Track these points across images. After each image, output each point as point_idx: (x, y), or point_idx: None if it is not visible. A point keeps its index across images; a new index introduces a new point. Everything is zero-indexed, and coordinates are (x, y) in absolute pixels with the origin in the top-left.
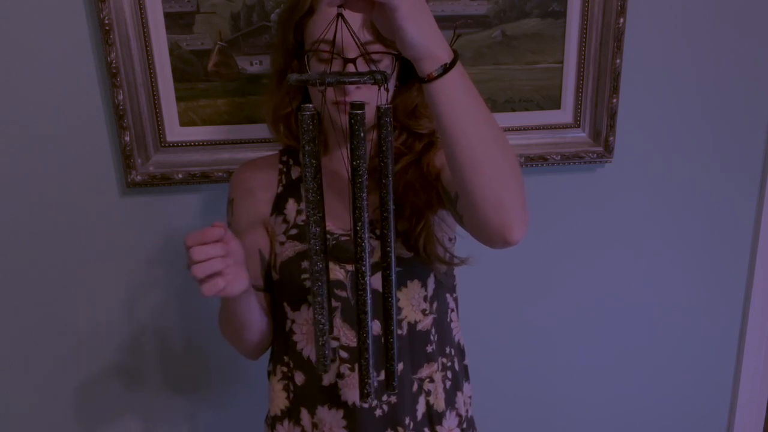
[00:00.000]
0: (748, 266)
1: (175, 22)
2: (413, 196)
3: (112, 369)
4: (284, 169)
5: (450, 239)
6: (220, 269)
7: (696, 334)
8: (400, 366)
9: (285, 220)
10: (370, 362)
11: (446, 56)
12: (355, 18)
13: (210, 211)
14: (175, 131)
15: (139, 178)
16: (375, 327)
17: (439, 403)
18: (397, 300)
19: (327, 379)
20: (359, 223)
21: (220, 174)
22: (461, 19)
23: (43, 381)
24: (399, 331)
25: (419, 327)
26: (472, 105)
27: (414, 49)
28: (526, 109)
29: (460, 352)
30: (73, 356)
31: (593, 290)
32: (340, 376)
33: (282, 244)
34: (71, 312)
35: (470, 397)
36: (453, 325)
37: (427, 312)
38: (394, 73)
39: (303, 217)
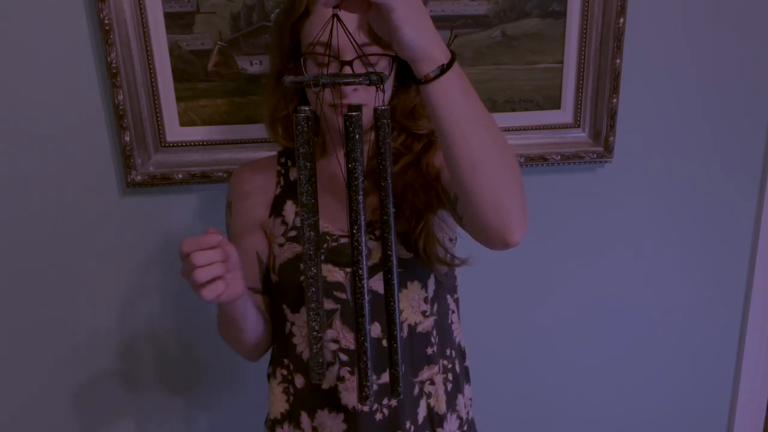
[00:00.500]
0: (748, 266)
1: (175, 22)
2: (413, 196)
3: (112, 369)
4: (282, 171)
5: (450, 240)
6: (221, 274)
7: (696, 334)
8: (401, 369)
9: (284, 222)
10: (369, 365)
11: (443, 57)
12: (351, 20)
13: (210, 211)
14: (175, 131)
15: (139, 178)
16: (375, 330)
17: (440, 406)
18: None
19: (327, 383)
20: (356, 226)
21: (220, 174)
22: (461, 19)
23: (42, 381)
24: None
25: (419, 329)
26: (470, 106)
27: (411, 50)
28: (526, 109)
29: (461, 354)
30: (72, 356)
31: (593, 290)
32: (340, 379)
33: (281, 246)
34: (71, 312)
35: (471, 399)
36: (454, 326)
37: (427, 314)
38: (392, 75)
39: None
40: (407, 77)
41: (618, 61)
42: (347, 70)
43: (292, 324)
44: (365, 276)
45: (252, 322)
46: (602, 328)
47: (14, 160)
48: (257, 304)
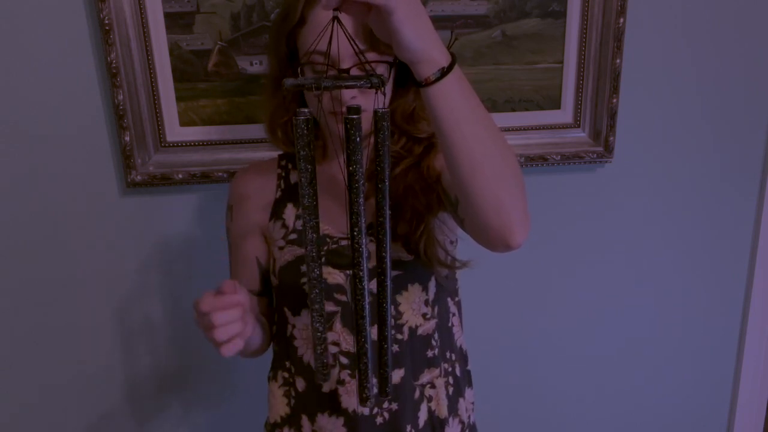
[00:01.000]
0: (748, 266)
1: (175, 22)
2: (413, 199)
3: (111, 370)
4: (283, 174)
5: (451, 242)
6: (240, 330)
7: (696, 334)
8: (402, 372)
9: (284, 225)
10: (369, 366)
11: (444, 59)
12: (348, 26)
13: (210, 212)
14: (175, 131)
15: (139, 178)
16: (375, 331)
17: (442, 410)
18: (398, 304)
19: (327, 386)
20: (356, 229)
21: (220, 174)
22: (461, 19)
23: (42, 381)
24: (399, 336)
25: (420, 331)
26: (471, 108)
27: (411, 53)
28: (526, 109)
29: (462, 357)
30: (72, 356)
31: (593, 291)
32: (340, 382)
33: (281, 248)
34: (71, 312)
35: (473, 403)
36: (455, 329)
37: (428, 316)
38: (391, 79)
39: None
40: (406, 81)
41: (618, 61)
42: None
43: (293, 327)
44: (365, 278)
45: (259, 339)
46: (602, 329)
47: (14, 160)
48: (255, 311)
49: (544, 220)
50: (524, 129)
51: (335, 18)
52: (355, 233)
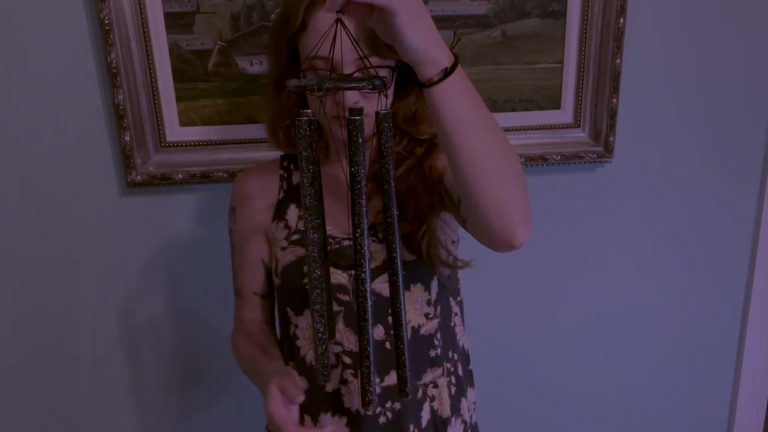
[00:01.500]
0: (748, 266)
1: (175, 22)
2: (415, 199)
3: (111, 369)
4: (285, 175)
5: (453, 242)
6: None
7: (696, 335)
8: None
9: (287, 226)
10: (372, 370)
11: (446, 60)
12: (349, 29)
13: (210, 212)
14: (175, 131)
15: (139, 178)
16: (378, 332)
17: (444, 410)
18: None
19: (330, 386)
20: (358, 230)
21: (220, 174)
22: (461, 19)
23: (42, 381)
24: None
25: (423, 331)
26: (473, 108)
27: (414, 54)
28: (526, 109)
29: (465, 357)
30: (72, 356)
31: (593, 291)
32: (343, 382)
33: (284, 249)
34: (71, 312)
35: (474, 403)
36: (457, 329)
37: (430, 316)
38: (392, 82)
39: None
40: (407, 83)
41: (618, 61)
42: None
43: (296, 327)
44: (368, 280)
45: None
46: (602, 329)
47: (14, 160)
48: (261, 307)
49: (545, 220)
50: (524, 129)
51: (338, 20)
52: (358, 234)
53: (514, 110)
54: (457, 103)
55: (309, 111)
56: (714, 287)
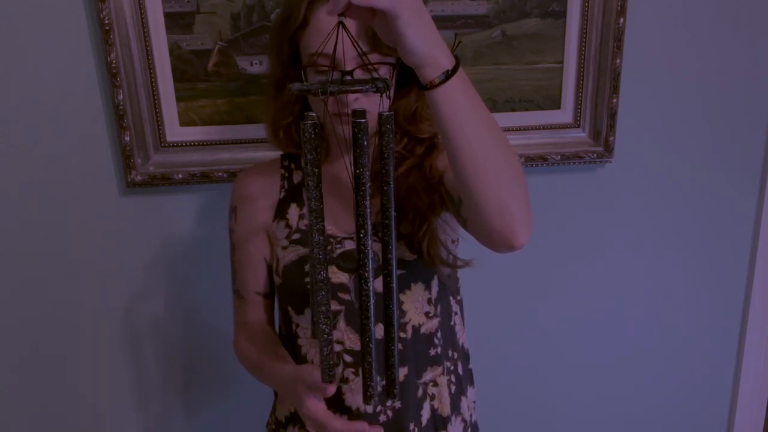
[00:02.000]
0: (748, 266)
1: (175, 22)
2: (416, 199)
3: (112, 369)
4: (286, 174)
5: (453, 241)
6: None
7: (696, 335)
8: (405, 370)
9: (288, 225)
10: (374, 365)
11: (448, 63)
12: (351, 28)
13: (210, 212)
14: (175, 131)
15: (139, 178)
16: (378, 330)
17: (444, 408)
18: (401, 303)
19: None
20: (362, 231)
21: (220, 174)
22: (461, 19)
23: (42, 381)
24: (403, 335)
25: (423, 330)
26: (474, 110)
27: (416, 57)
28: (526, 109)
29: (465, 356)
30: (73, 356)
31: (593, 291)
32: (344, 380)
33: (284, 248)
34: (71, 312)
35: (474, 402)
36: (457, 328)
37: (430, 315)
38: (393, 80)
39: (305, 222)
40: (408, 81)
41: (618, 61)
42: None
43: (297, 325)
44: (371, 279)
45: None
46: (602, 329)
47: (14, 160)
48: (265, 308)
49: (545, 221)
50: (524, 129)
51: (340, 23)
52: (362, 235)
53: (514, 110)
54: (458, 105)
55: (314, 114)
56: (714, 287)
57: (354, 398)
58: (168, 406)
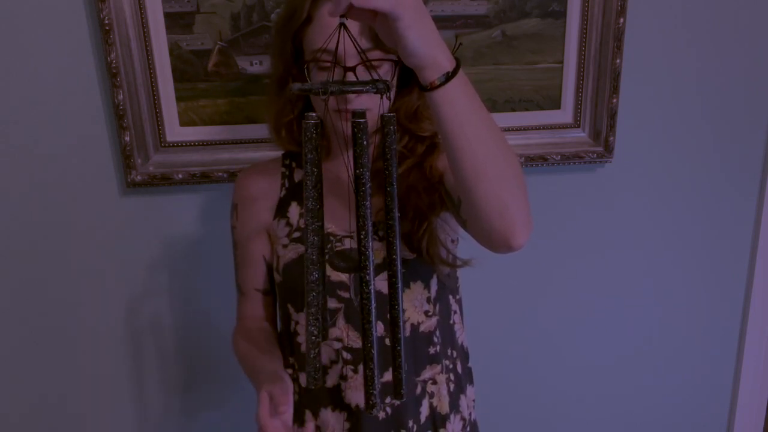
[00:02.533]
0: (748, 266)
1: (175, 22)
2: (416, 198)
3: (112, 369)
4: (287, 173)
5: (452, 241)
6: None
7: (696, 335)
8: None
9: (288, 224)
10: (375, 372)
11: (448, 64)
12: (353, 26)
13: (210, 212)
14: (175, 131)
15: (139, 178)
16: (378, 328)
17: (443, 406)
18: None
19: (330, 381)
20: (363, 232)
21: (220, 174)
22: (461, 19)
23: (43, 380)
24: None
25: (422, 328)
26: (474, 111)
27: (416, 58)
28: (526, 109)
29: (464, 355)
30: (73, 356)
31: (593, 291)
32: (343, 378)
33: (285, 246)
34: (71, 312)
35: (474, 401)
36: (456, 327)
37: (430, 313)
38: (394, 78)
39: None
40: (409, 80)
41: (618, 61)
42: (350, 76)
43: (296, 323)
44: (372, 281)
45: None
46: (602, 329)
47: (14, 160)
48: (265, 306)
49: (544, 220)
50: (524, 129)
51: (342, 24)
52: (362, 236)
53: (514, 110)
54: (458, 106)
55: (315, 114)
56: (714, 287)
57: (353, 395)
58: (168, 406)
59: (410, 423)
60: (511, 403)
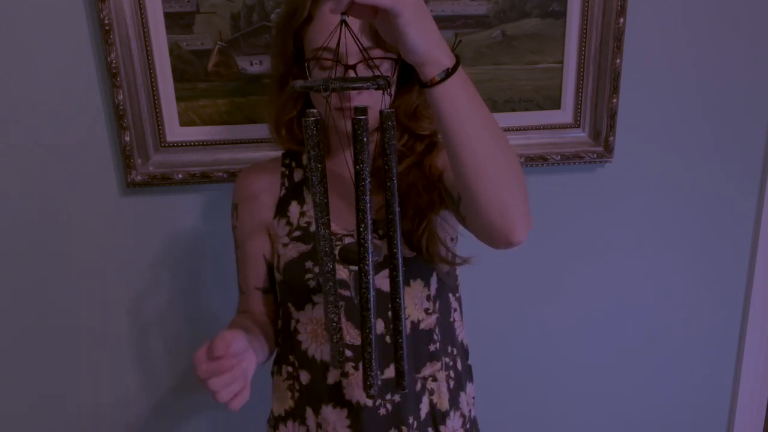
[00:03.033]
0: (748, 266)
1: (175, 22)
2: (416, 196)
3: (112, 368)
4: (287, 173)
5: (452, 239)
6: (241, 386)
7: (696, 334)
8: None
9: (288, 223)
10: (374, 356)
11: (448, 61)
12: (353, 24)
13: (210, 211)
14: (175, 131)
15: (139, 178)
16: (378, 327)
17: (443, 403)
18: None
19: (331, 378)
20: (362, 225)
21: (220, 174)
22: (461, 19)
23: (43, 380)
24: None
25: (422, 326)
26: (474, 109)
27: (416, 55)
28: (526, 109)
29: (464, 352)
30: (73, 356)
31: (594, 290)
32: (344, 374)
33: (285, 245)
34: (72, 312)
35: (474, 398)
36: (456, 325)
37: (429, 311)
38: (395, 77)
39: (306, 219)
40: (409, 78)
41: (618, 61)
42: (351, 73)
43: (297, 321)
44: (371, 272)
45: (262, 357)
46: (602, 328)
47: (14, 160)
48: (266, 303)
49: (545, 220)
50: (524, 129)
51: (343, 21)
52: (362, 229)
53: (514, 110)
54: (458, 103)
55: (315, 111)
56: (714, 287)
57: (354, 392)
58: (168, 406)
59: (410, 419)
60: (510, 401)
